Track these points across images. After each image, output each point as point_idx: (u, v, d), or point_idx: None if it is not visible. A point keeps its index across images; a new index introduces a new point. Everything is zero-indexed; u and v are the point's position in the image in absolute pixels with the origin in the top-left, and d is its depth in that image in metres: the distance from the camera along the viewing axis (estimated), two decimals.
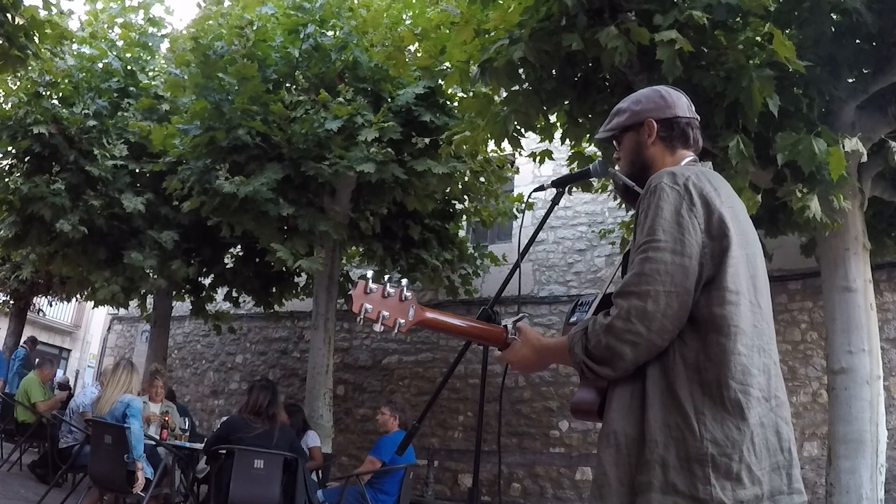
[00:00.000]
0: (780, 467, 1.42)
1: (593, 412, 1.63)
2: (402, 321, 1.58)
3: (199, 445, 5.74)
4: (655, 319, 1.42)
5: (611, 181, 1.95)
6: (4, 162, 8.66)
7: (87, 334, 24.21)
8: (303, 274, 8.61)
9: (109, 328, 15.37)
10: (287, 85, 7.08)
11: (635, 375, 1.49)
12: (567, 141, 5.87)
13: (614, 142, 1.84)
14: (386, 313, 1.55)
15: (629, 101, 1.82)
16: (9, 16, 5.89)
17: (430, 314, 1.65)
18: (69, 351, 24.27)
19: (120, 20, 8.97)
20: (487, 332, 1.74)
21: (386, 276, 1.62)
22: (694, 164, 1.72)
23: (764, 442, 1.41)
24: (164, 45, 8.96)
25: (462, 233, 9.48)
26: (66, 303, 17.90)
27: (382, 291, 1.56)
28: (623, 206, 7.69)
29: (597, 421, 1.63)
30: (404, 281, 1.62)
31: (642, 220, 1.53)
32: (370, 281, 1.56)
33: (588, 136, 5.72)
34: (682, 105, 1.77)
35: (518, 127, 5.37)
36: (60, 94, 8.37)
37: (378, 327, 1.56)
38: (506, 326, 1.73)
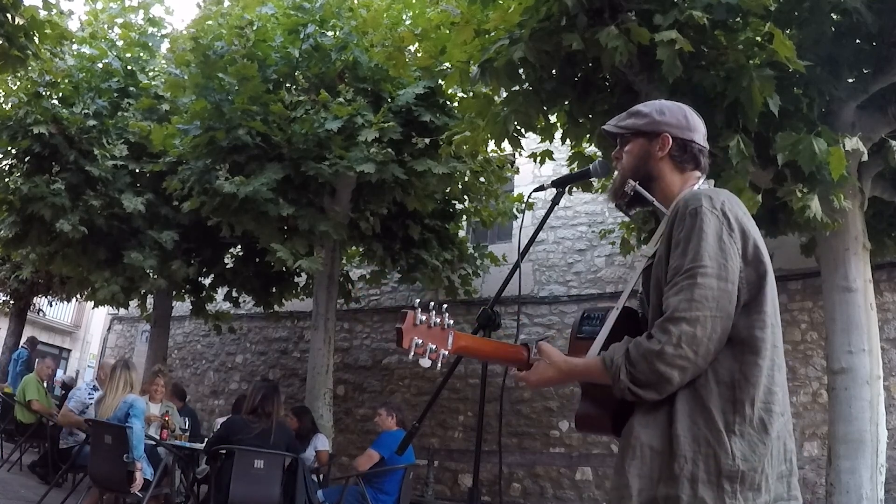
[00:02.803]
0: (784, 476, 1.51)
1: (605, 426, 1.66)
2: (445, 352, 1.56)
3: (200, 445, 5.74)
4: (703, 344, 1.48)
5: (610, 181, 1.94)
6: (4, 162, 8.66)
7: (87, 334, 24.21)
8: (303, 274, 8.60)
9: (109, 328, 15.37)
10: (287, 85, 7.08)
11: None
12: (567, 141, 5.86)
13: (619, 139, 1.84)
14: (433, 346, 1.53)
15: (652, 108, 1.82)
16: (9, 16, 5.89)
17: (464, 342, 1.62)
18: (69, 351, 24.27)
19: (120, 20, 8.96)
20: (512, 353, 1.73)
21: (431, 304, 1.59)
22: (706, 184, 1.77)
23: (776, 453, 1.50)
24: (164, 45, 8.96)
25: (462, 233, 9.48)
26: (66, 303, 17.91)
27: (429, 321, 1.54)
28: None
29: (606, 434, 1.67)
30: (445, 306, 1.58)
31: (682, 242, 1.55)
32: (419, 311, 1.54)
33: (588, 136, 5.72)
34: (701, 133, 1.80)
35: (518, 127, 5.37)
36: (60, 94, 8.37)
37: (426, 362, 1.53)
38: (527, 346, 1.73)
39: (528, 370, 1.71)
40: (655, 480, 1.46)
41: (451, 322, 1.57)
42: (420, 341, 1.52)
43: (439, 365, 1.55)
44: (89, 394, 6.27)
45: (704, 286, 1.48)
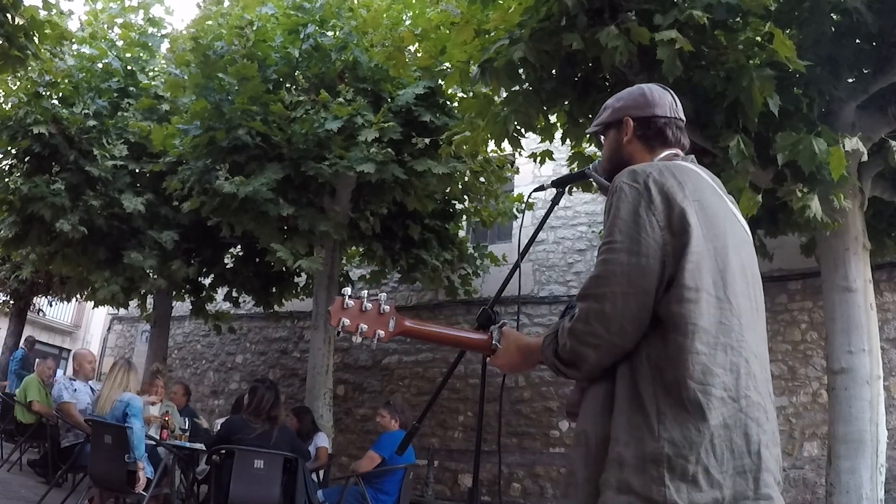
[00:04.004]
0: (747, 471, 1.37)
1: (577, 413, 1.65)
2: (382, 332, 1.66)
3: (200, 445, 5.74)
4: (614, 321, 1.42)
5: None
6: (4, 162, 8.66)
7: (87, 334, 24.19)
8: (303, 274, 8.61)
9: (109, 328, 15.37)
10: (287, 85, 7.08)
11: (607, 376, 1.48)
12: (567, 141, 5.87)
13: (602, 138, 1.85)
14: (364, 326, 1.64)
15: (613, 99, 1.82)
16: (9, 16, 5.89)
17: (409, 324, 1.70)
18: (69, 351, 24.24)
19: (120, 20, 8.96)
20: (472, 339, 1.74)
21: (363, 290, 1.71)
22: (673, 158, 1.69)
23: (727, 444, 1.36)
24: (164, 46, 8.96)
25: (462, 233, 9.48)
26: (66, 303, 17.91)
27: (360, 306, 1.65)
28: None
29: None
30: (382, 295, 1.68)
31: (605, 220, 1.53)
32: (347, 297, 1.64)
33: (588, 136, 5.72)
34: (665, 104, 1.74)
35: (518, 127, 5.37)
36: (60, 94, 8.37)
37: (357, 339, 1.64)
38: (491, 333, 1.72)
39: (493, 356, 1.72)
40: (598, 467, 1.42)
41: (388, 308, 1.67)
42: (348, 322, 1.62)
43: (374, 343, 1.67)
44: (69, 382, 6.38)
45: (612, 262, 1.44)
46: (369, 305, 1.65)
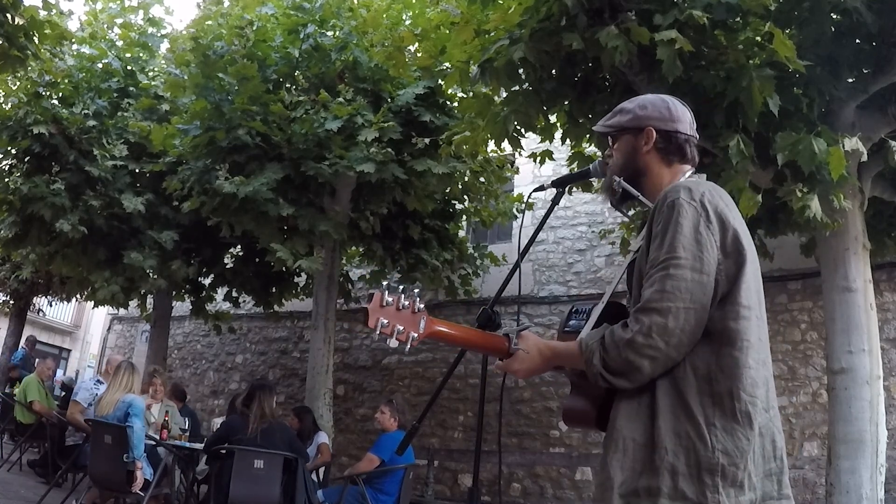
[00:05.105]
0: (773, 474, 1.49)
1: (589, 420, 1.65)
2: (415, 335, 1.57)
3: (200, 445, 5.74)
4: (674, 335, 1.47)
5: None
6: (4, 162, 8.65)
7: (87, 334, 24.20)
8: (303, 274, 8.60)
9: (109, 328, 15.37)
10: (287, 85, 7.07)
11: (644, 384, 1.52)
12: (567, 141, 5.86)
13: (610, 138, 1.85)
14: (400, 327, 1.54)
15: (635, 104, 1.82)
16: (9, 16, 5.89)
17: (438, 327, 1.63)
18: (69, 351, 24.26)
19: (120, 20, 8.95)
20: (492, 342, 1.73)
21: (400, 287, 1.60)
22: (695, 176, 1.75)
23: (761, 450, 1.48)
24: (164, 45, 8.95)
25: (462, 233, 9.48)
26: (66, 303, 17.89)
27: (397, 304, 1.55)
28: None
29: (591, 428, 1.67)
30: (416, 290, 1.60)
31: (660, 234, 1.55)
32: (386, 293, 1.54)
33: (588, 136, 5.73)
34: (686, 121, 1.78)
35: (518, 127, 5.37)
36: (60, 94, 8.37)
37: (393, 342, 1.54)
38: (508, 336, 1.72)
39: (509, 359, 1.70)
40: (638, 472, 1.46)
41: (422, 306, 1.58)
42: (386, 322, 1.52)
43: (408, 347, 1.56)
44: (94, 384, 6.33)
45: (677, 277, 1.48)
46: (406, 303, 1.56)
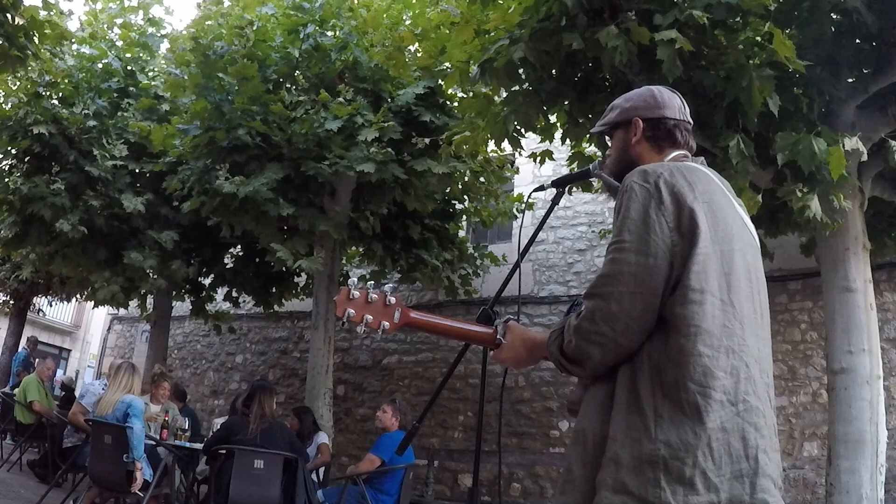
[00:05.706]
0: (744, 475, 1.36)
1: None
2: (387, 323, 1.65)
3: (200, 445, 5.74)
4: (619, 320, 1.43)
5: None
6: (4, 162, 8.65)
7: (87, 334, 24.21)
8: (303, 274, 8.60)
9: (109, 328, 15.37)
10: (287, 85, 7.07)
11: (609, 375, 1.48)
12: (567, 141, 5.86)
13: (607, 137, 1.85)
14: (369, 317, 1.64)
15: (622, 99, 1.82)
16: (9, 16, 5.89)
17: (415, 315, 1.70)
18: (69, 351, 24.27)
19: (120, 20, 8.96)
20: (477, 333, 1.75)
21: (370, 283, 1.72)
22: (683, 159, 1.70)
23: (725, 447, 1.36)
24: (164, 46, 8.96)
25: (462, 233, 9.48)
26: (66, 303, 17.90)
27: (366, 296, 1.65)
28: None
29: None
30: (387, 286, 1.70)
31: (614, 220, 1.53)
32: (353, 287, 1.64)
33: (588, 136, 5.72)
34: (674, 106, 1.75)
35: (518, 127, 5.37)
36: (60, 94, 8.37)
37: (361, 329, 1.66)
38: (496, 327, 1.73)
39: (497, 350, 1.72)
40: (594, 465, 1.42)
41: (394, 300, 1.66)
42: (353, 312, 1.63)
43: (380, 334, 1.67)
44: (102, 387, 6.32)
45: (620, 261, 1.45)
46: (375, 296, 1.65)
